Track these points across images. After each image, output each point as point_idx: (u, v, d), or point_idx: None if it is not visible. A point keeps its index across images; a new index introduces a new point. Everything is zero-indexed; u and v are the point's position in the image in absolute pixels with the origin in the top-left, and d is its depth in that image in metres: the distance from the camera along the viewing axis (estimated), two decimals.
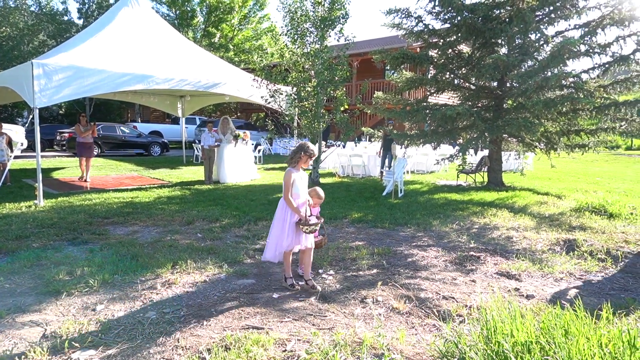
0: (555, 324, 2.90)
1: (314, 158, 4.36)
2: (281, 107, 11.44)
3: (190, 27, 37.23)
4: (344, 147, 17.41)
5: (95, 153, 18.64)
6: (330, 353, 2.70)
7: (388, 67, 13.52)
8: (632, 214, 7.76)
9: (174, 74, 10.41)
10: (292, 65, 11.22)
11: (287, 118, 11.48)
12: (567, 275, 4.88)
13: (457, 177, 12.43)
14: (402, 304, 3.94)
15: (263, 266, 5.00)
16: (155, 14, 13.38)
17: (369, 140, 18.61)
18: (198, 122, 25.84)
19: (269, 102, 11.36)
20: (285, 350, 3.07)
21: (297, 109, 11.25)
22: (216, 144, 11.46)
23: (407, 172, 13.92)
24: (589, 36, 9.88)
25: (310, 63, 11.04)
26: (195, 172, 13.63)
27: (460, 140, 11.60)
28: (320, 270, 4.86)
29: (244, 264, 5.06)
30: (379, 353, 2.99)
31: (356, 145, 17.58)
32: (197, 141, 19.49)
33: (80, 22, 34.82)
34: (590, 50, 9.89)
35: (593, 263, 5.26)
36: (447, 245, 5.99)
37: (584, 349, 2.57)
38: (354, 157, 13.92)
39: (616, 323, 2.98)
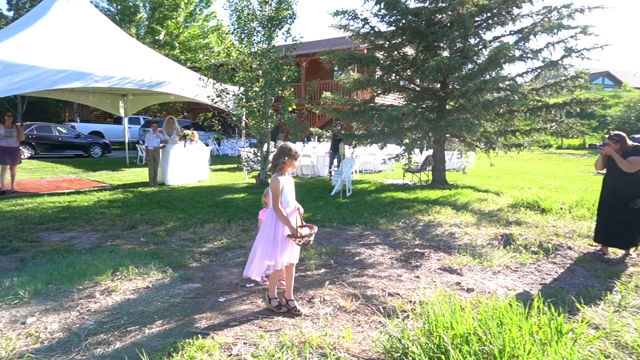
0: (492, 315, 3.05)
1: (299, 158, 3.86)
2: (228, 107, 11.26)
3: (132, 23, 35.78)
4: None
5: (28, 155, 17.49)
6: (277, 355, 2.69)
7: (336, 68, 13.67)
8: (561, 208, 8.31)
9: (114, 71, 9.96)
10: (239, 64, 11.07)
11: (234, 118, 11.31)
12: (504, 268, 5.14)
13: (403, 176, 12.77)
14: (349, 303, 3.99)
15: (209, 270, 4.90)
16: (94, 9, 12.75)
17: (318, 141, 18.72)
18: (142, 122, 24.89)
19: (216, 102, 11.14)
20: (230, 355, 3.02)
21: (244, 109, 11.11)
22: (161, 145, 11.09)
23: (355, 171, 14.14)
24: (523, 42, 10.49)
25: (258, 63, 10.94)
26: (139, 174, 13.12)
27: (406, 140, 11.93)
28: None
29: (190, 268, 4.93)
30: (325, 352, 3.01)
31: (304, 146, 17.63)
32: (140, 142, 18.77)
33: (10, 14, 32.56)
34: (524, 55, 10.48)
35: (527, 256, 5.58)
36: (394, 242, 6.14)
37: (516, 337, 2.71)
38: (302, 158, 13.92)
39: (546, 312, 3.17)
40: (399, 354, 2.76)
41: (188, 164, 11.63)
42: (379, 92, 12.39)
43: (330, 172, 12.84)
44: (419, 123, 10.49)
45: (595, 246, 5.98)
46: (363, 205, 8.78)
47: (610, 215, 5.54)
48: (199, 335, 3.28)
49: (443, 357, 2.60)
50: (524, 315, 3.14)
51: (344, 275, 4.74)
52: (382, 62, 11.82)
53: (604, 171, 5.78)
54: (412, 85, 12.32)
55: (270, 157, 11.74)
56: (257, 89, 10.81)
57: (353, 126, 13.03)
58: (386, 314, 3.77)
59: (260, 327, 3.50)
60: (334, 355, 2.95)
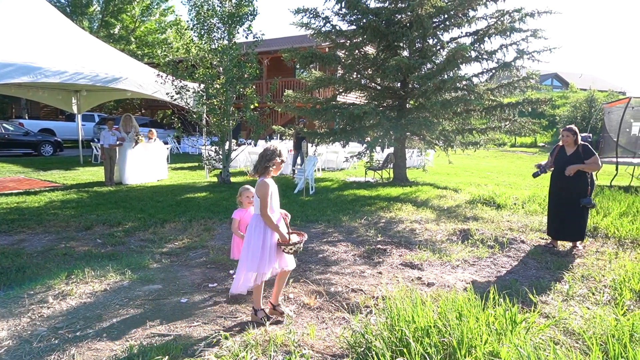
0: (451, 308, 3.15)
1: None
2: (188, 104, 11.02)
3: (85, 16, 34.30)
4: (255, 145, 17.27)
5: None
6: (241, 354, 2.68)
7: (298, 66, 13.67)
8: (515, 204, 8.67)
9: (66, 66, 9.53)
10: (199, 61, 10.86)
11: (195, 116, 11.09)
12: (463, 262, 5.32)
13: (365, 173, 12.94)
14: (313, 300, 4.02)
15: (170, 271, 4.79)
16: (42, 0, 12.14)
17: (281, 139, 18.66)
18: (97, 120, 23.95)
19: (175, 99, 10.88)
20: (193, 356, 2.98)
21: (205, 107, 10.91)
22: (118, 142, 10.72)
23: (318, 169, 14.20)
24: (478, 43, 10.85)
25: (218, 59, 10.77)
26: (94, 173, 12.62)
27: (368, 139, 12.10)
28: (231, 271, 4.77)
29: (150, 269, 4.80)
30: (289, 350, 3.02)
31: (267, 144, 17.53)
32: (95, 140, 18.06)
33: None
34: (480, 56, 10.86)
35: (484, 250, 5.79)
36: (356, 239, 6.22)
37: (474, 328, 2.82)
38: None
39: (501, 303, 3.31)
40: (362, 349, 2.81)
41: (147, 162, 11.30)
42: (340, 90, 12.49)
43: (293, 170, 12.83)
44: (380, 121, 10.66)
45: (546, 240, 6.28)
46: (326, 202, 8.83)
47: (559, 211, 5.84)
48: (161, 337, 3.21)
49: (405, 350, 2.66)
50: (481, 307, 3.27)
51: (308, 273, 4.77)
52: (343, 60, 11.92)
53: (552, 169, 6.08)
54: (373, 84, 12.50)
55: (233, 155, 11.63)
56: (218, 86, 10.65)
57: (315, 124, 13.08)
58: (350, 310, 3.82)
59: (223, 327, 3.47)
60: (298, 352, 2.96)
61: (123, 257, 5.11)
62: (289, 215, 3.67)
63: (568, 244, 6.01)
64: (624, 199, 8.32)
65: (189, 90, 10.93)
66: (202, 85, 10.85)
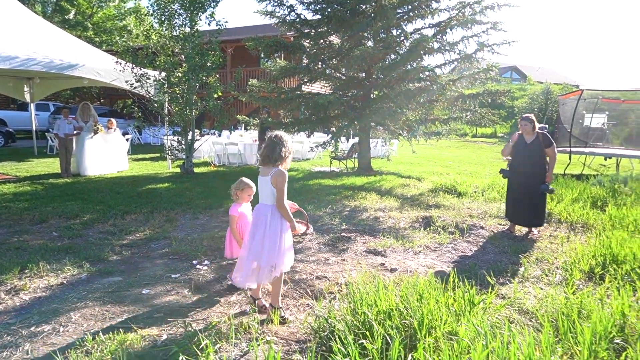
0: (412, 292, 3.23)
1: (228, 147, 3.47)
2: (149, 93, 10.70)
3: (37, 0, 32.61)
4: (219, 135, 17.00)
5: None
6: (203, 342, 2.65)
7: (262, 55, 13.49)
8: (475, 192, 8.94)
9: (17, 51, 9.05)
10: (160, 48, 10.54)
11: (156, 105, 10.79)
12: (425, 248, 5.45)
13: (331, 163, 13.00)
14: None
15: (131, 262, 4.68)
16: None
17: (245, 129, 18.45)
18: (52, 109, 22.90)
19: (136, 88, 10.54)
20: (155, 347, 2.93)
21: (167, 95, 10.63)
22: (75, 132, 10.30)
23: None
24: (441, 35, 11.03)
25: (180, 47, 10.50)
26: (49, 165, 12.10)
27: (333, 129, 12.13)
28: (194, 262, 4.71)
29: (109, 262, 4.67)
30: (254, 337, 3.02)
31: (231, 134, 17.30)
32: (50, 130, 17.29)
33: None
34: (442, 48, 11.04)
35: (445, 236, 5.95)
36: (321, 228, 6.25)
37: (434, 310, 2.90)
38: (229, 146, 13.69)
39: (460, 286, 3.42)
40: (325, 333, 2.84)
41: (106, 153, 10.92)
42: (305, 80, 12.44)
43: (258, 160, 12.72)
44: (345, 111, 10.71)
45: (504, 225, 6.52)
46: (291, 192, 8.79)
47: (517, 197, 6.06)
48: (120, 329, 3.14)
49: (367, 332, 2.71)
50: (442, 290, 3.36)
51: None
52: (308, 50, 11.87)
53: (510, 157, 6.29)
54: (338, 74, 12.51)
55: (196, 145, 11.41)
56: (180, 75, 10.38)
57: (280, 114, 12.99)
58: (314, 296, 3.85)
59: (187, 316, 3.43)
60: (262, 339, 2.97)
61: (81, 250, 4.95)
62: (296, 205, 3.64)
63: (524, 229, 6.25)
64: (576, 186, 8.72)
65: (149, 79, 10.61)
66: (164, 74, 10.55)
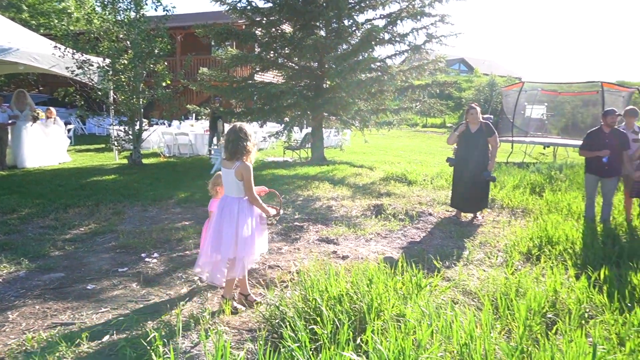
0: (362, 277, 3.31)
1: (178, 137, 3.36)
2: (92, 80, 10.18)
3: None
4: (169, 125, 16.48)
5: None
6: (152, 335, 2.60)
7: (213, 43, 13.17)
8: (424, 180, 9.22)
9: None
10: (103, 33, 10.04)
11: (100, 93, 10.29)
12: (376, 235, 5.58)
13: (284, 153, 12.97)
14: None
15: (75, 257, 4.49)
16: None
17: (196, 119, 18.00)
18: None
19: (77, 75, 9.98)
20: (101, 343, 2.84)
21: (111, 83, 10.16)
22: (10, 121, 9.65)
23: None
24: (391, 26, 11.21)
25: (125, 32, 10.04)
26: None
27: (286, 119, 12.08)
28: (143, 255, 4.58)
29: (51, 257, 4.46)
30: (206, 328, 2.99)
31: (181, 124, 16.83)
32: None
33: None
34: (392, 39, 11.23)
35: (395, 223, 6.12)
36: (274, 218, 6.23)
37: (383, 294, 3.00)
38: (180, 136, 13.32)
39: (409, 270, 3.54)
40: (277, 321, 2.87)
41: (46, 144, 10.33)
42: (257, 69, 12.29)
43: (209, 151, 12.48)
44: (298, 101, 10.68)
45: (451, 212, 6.78)
46: None
47: (462, 185, 6.32)
48: (64, 327, 3.02)
49: (318, 318, 2.76)
50: (390, 275, 3.47)
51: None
52: (260, 38, 11.71)
53: (455, 146, 6.54)
54: (290, 64, 12.44)
55: (144, 135, 11.02)
56: (125, 62, 9.94)
57: (232, 103, 12.78)
58: (266, 285, 3.86)
59: (135, 310, 3.34)
60: (213, 330, 2.95)
61: (18, 246, 4.69)
62: (266, 188, 3.68)
63: (470, 215, 6.54)
64: (517, 174, 9.20)
65: (92, 65, 10.09)
66: (108, 60, 10.07)
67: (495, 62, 59.97)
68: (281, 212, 3.59)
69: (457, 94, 33.01)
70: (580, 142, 6.12)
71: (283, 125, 11.91)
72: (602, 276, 3.71)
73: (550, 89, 17.50)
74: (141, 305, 3.44)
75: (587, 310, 3.26)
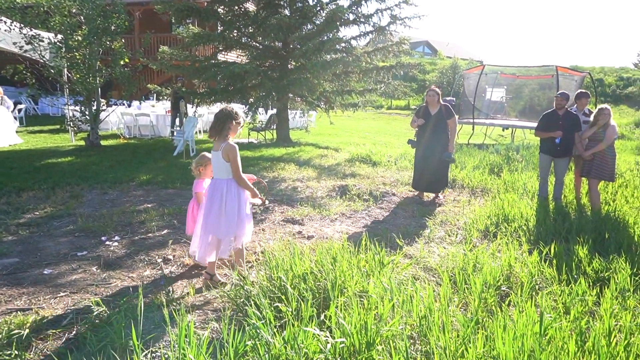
0: (326, 256, 3.37)
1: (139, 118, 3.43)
2: (44, 57, 9.66)
3: None
4: (129, 106, 15.91)
5: None
6: (113, 318, 2.57)
7: (174, 21, 12.71)
8: (389, 161, 9.37)
9: None
10: (53, 7, 9.49)
11: (52, 71, 9.79)
12: (340, 215, 5.65)
13: (249, 134, 12.83)
14: (194, 260, 3.97)
15: (30, 242, 4.33)
16: None
17: (157, 99, 17.48)
18: None
19: (26, 51, 9.44)
20: (59, 327, 2.78)
21: (65, 61, 9.68)
22: None
23: (200, 131, 13.68)
24: (356, 6, 11.17)
25: (78, 7, 9.54)
26: None
27: (251, 100, 11.91)
28: (103, 238, 4.47)
29: (3, 243, 4.28)
30: (169, 309, 2.97)
31: (141, 104, 16.29)
32: None
33: None
34: (357, 20, 11.21)
35: (360, 203, 6.21)
36: None
37: (346, 271, 3.06)
38: (140, 117, 12.91)
39: (372, 248, 3.62)
40: (242, 300, 2.89)
41: None
42: (221, 48, 12.01)
43: (171, 132, 12.18)
44: (262, 82, 10.55)
45: (413, 191, 6.94)
46: None
47: (423, 166, 6.46)
48: (19, 312, 2.93)
49: (283, 296, 2.80)
50: (355, 253, 3.55)
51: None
52: (223, 16, 11.42)
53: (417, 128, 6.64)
54: (254, 43, 12.22)
55: (102, 115, 10.62)
56: (79, 38, 9.47)
57: (195, 83, 12.47)
58: (231, 266, 3.86)
59: (95, 294, 3.28)
60: (177, 310, 2.93)
61: None
62: (254, 177, 3.72)
63: (432, 195, 6.71)
64: (477, 155, 9.49)
65: (42, 41, 9.55)
66: (60, 36, 9.57)
67: (458, 45, 60.86)
68: (267, 202, 3.68)
69: (421, 76, 33.41)
70: (536, 124, 6.36)
71: (247, 106, 11.75)
72: (552, 251, 3.92)
73: (510, 72, 17.98)
74: (102, 289, 3.37)
75: (538, 282, 3.45)
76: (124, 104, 15.00)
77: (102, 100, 10.92)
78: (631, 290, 3.30)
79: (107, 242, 4.38)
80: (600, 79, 30.56)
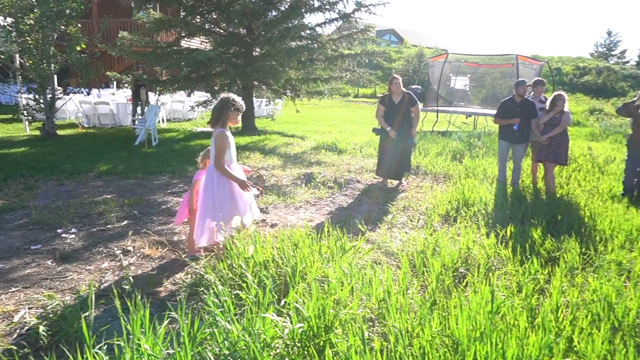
0: (288, 242, 3.37)
1: (242, 112, 3.45)
2: None
3: None
4: (88, 94, 15.34)
5: None
6: (67, 311, 2.50)
7: (134, 5, 12.27)
8: (354, 149, 9.42)
9: None
10: None
11: (2, 57, 9.29)
12: (305, 203, 5.66)
13: None
14: (155, 250, 3.90)
15: None
16: None
17: (118, 87, 16.91)
18: None
19: None
20: (11, 323, 2.68)
21: (16, 46, 9.20)
22: None
23: (162, 120, 13.34)
24: None
25: None
26: None
27: (216, 87, 11.68)
28: (59, 230, 4.32)
29: None
30: (126, 301, 2.91)
31: (100, 92, 15.72)
32: None
33: None
34: (322, 6, 11.12)
35: (325, 191, 6.23)
36: None
37: (308, 257, 3.08)
38: (100, 105, 12.46)
39: (334, 234, 3.65)
40: (202, 289, 2.86)
41: None
42: (183, 34, 11.69)
43: (133, 121, 11.83)
44: (226, 69, 10.36)
45: (378, 178, 7.02)
46: (171, 154, 8.42)
47: (388, 153, 6.53)
48: None
49: (243, 284, 2.79)
50: (317, 239, 3.56)
51: (150, 225, 4.58)
52: (185, 1, 11.10)
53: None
54: (218, 29, 11.95)
55: (59, 104, 10.20)
56: (31, 22, 9.01)
57: (157, 71, 12.13)
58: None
59: (50, 288, 3.18)
60: (133, 302, 2.88)
61: None
62: (249, 168, 3.82)
63: (395, 181, 6.81)
64: (440, 142, 9.68)
65: None
66: (10, 19, 9.07)
67: (424, 34, 61.48)
68: (264, 192, 3.74)
69: (387, 64, 33.63)
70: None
71: (212, 94, 11.52)
72: (508, 233, 4.06)
73: (473, 61, 18.36)
74: (57, 282, 3.27)
75: (494, 263, 3.58)
76: (82, 92, 14.47)
77: (59, 88, 10.48)
78: (580, 268, 3.47)
79: (64, 235, 4.24)
80: (558, 68, 31.62)
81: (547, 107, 5.94)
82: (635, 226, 4.41)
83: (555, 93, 5.91)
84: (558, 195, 5.66)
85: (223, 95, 3.52)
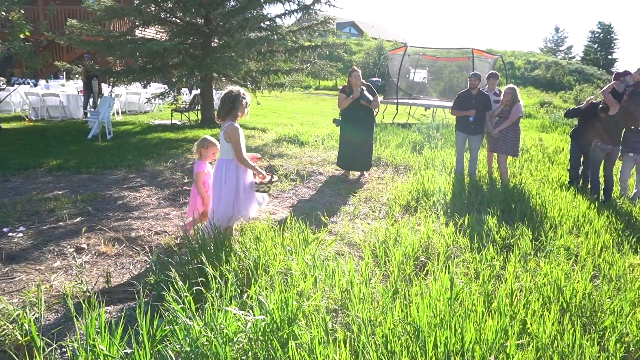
0: (251, 236, 3.34)
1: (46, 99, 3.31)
2: None
3: None
4: (35, 85, 14.54)
5: None
6: (16, 313, 2.37)
7: None
8: (316, 141, 9.43)
9: None
10: None
11: None
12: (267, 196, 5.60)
13: (172, 115, 12.27)
14: (111, 247, 3.76)
15: None
16: None
17: (68, 78, 16.12)
18: None
19: None
20: None
21: None
22: None
23: (117, 112, 12.85)
24: None
25: None
26: None
27: (174, 79, 11.34)
28: (5, 229, 4.08)
29: None
30: (79, 301, 2.80)
31: (49, 82, 14.95)
32: None
33: None
34: None
35: (287, 183, 6.20)
36: (161, 183, 5.95)
37: (270, 250, 3.05)
38: (48, 97, 11.84)
39: (297, 227, 3.64)
40: (162, 285, 2.78)
41: None
42: (137, 23, 11.25)
43: (85, 114, 11.32)
44: (184, 60, 10.08)
45: (340, 170, 7.05)
46: (127, 147, 8.13)
47: (349, 145, 6.57)
48: None
49: (204, 279, 2.74)
50: (280, 232, 3.54)
51: (105, 221, 4.40)
52: None
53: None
54: (174, 19, 11.58)
55: (2, 95, 9.60)
56: None
57: (110, 61, 11.64)
58: (152, 252, 3.70)
59: None
60: (87, 302, 2.77)
61: None
62: (258, 155, 3.82)
63: (357, 173, 6.87)
64: (400, 134, 9.83)
65: None
66: None
67: (384, 27, 62.15)
68: (275, 178, 3.84)
69: (348, 56, 33.76)
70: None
71: (169, 85, 11.19)
72: (466, 222, 4.18)
73: (431, 54, 18.71)
74: (3, 285, 3.09)
75: (453, 251, 3.68)
76: (28, 83, 13.70)
77: (1, 78, 9.87)
78: (532, 254, 3.63)
79: (10, 234, 4.00)
80: (511, 62, 32.80)
81: (502, 99, 6.15)
82: (581, 212, 4.66)
83: (506, 86, 6.13)
84: (512, 185, 5.89)
85: (231, 88, 3.56)
